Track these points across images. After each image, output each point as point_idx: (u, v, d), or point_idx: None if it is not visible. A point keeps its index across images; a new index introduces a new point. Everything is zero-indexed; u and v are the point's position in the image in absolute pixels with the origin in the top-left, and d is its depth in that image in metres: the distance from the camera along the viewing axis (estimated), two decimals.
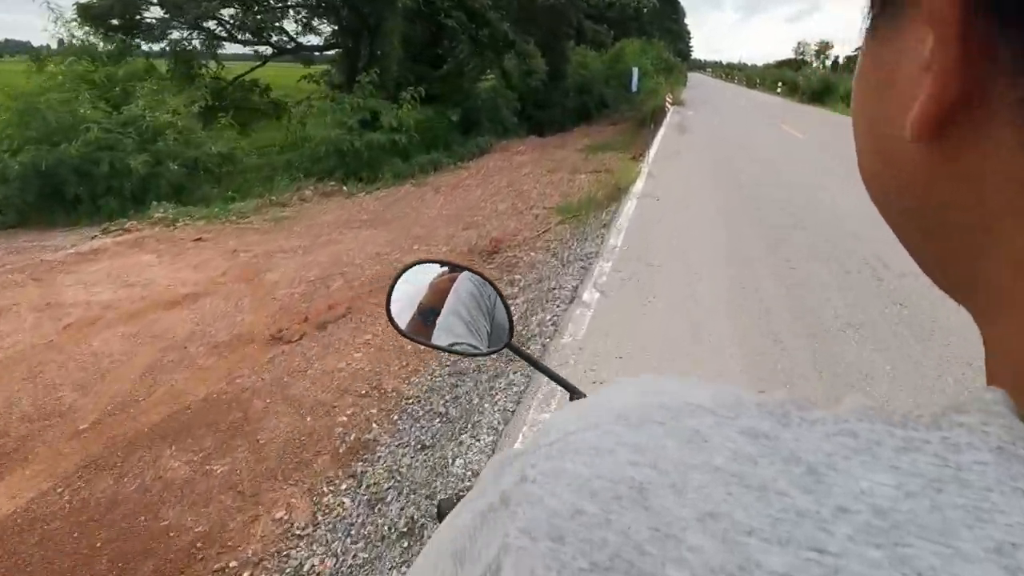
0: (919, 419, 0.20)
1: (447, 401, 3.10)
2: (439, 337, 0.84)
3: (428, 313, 0.85)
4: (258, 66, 18.98)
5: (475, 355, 0.88)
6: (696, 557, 0.18)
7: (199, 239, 6.62)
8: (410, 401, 3.21)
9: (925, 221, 0.24)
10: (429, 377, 3.43)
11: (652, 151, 11.90)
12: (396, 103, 14.17)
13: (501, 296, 0.86)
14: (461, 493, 0.70)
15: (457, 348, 0.85)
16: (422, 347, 0.93)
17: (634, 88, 22.45)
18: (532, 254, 5.71)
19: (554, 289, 4.39)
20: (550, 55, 23.04)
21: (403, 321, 0.85)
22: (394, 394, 3.31)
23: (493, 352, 0.88)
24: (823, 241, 5.65)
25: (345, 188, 11.03)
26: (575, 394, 0.83)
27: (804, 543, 0.18)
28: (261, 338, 4.09)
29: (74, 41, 12.60)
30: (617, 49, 27.03)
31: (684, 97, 30.38)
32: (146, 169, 8.59)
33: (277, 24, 17.29)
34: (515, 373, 3.07)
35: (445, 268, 0.87)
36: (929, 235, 0.24)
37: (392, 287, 0.85)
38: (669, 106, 16.78)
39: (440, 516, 0.74)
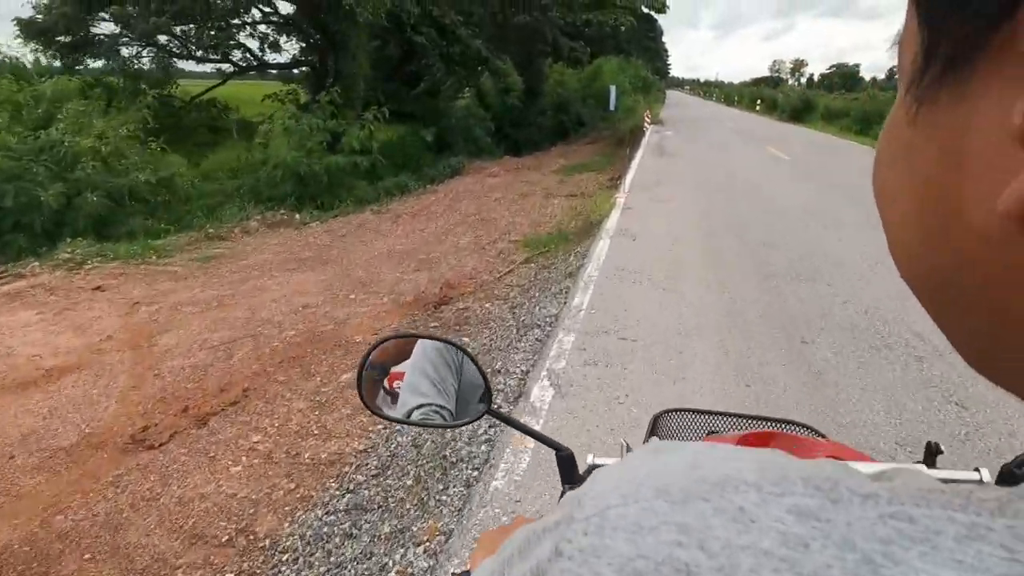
0: (982, 503, 0.19)
1: (330, 570, 2.16)
2: (405, 401, 0.78)
3: (387, 379, 0.80)
4: (217, 85, 18.05)
5: (448, 426, 0.80)
6: None
7: (99, 288, 5.63)
8: (284, 558, 2.27)
9: (995, 300, 0.21)
10: (322, 511, 2.50)
11: (629, 176, 11.01)
12: (360, 123, 13.35)
13: (472, 358, 0.80)
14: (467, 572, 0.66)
15: (422, 418, 0.77)
16: (386, 422, 1.03)
17: (612, 106, 21.82)
18: (487, 306, 4.81)
19: (500, 372, 3.44)
20: (526, 73, 22.48)
21: (372, 398, 0.79)
22: (266, 542, 2.37)
23: (472, 420, 0.79)
24: (832, 296, 4.78)
25: (298, 216, 10.10)
26: (560, 451, 0.78)
27: None
28: (118, 440, 3.13)
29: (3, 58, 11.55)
30: (595, 67, 26.54)
31: (663, 116, 29.88)
32: (60, 202, 7.59)
33: (233, 41, 16.35)
34: (418, 550, 2.12)
35: (411, 339, 0.81)
36: (999, 316, 0.21)
37: (363, 366, 0.77)
38: (647, 125, 16.04)
39: None
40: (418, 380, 0.78)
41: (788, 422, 0.95)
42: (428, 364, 0.79)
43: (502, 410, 2.97)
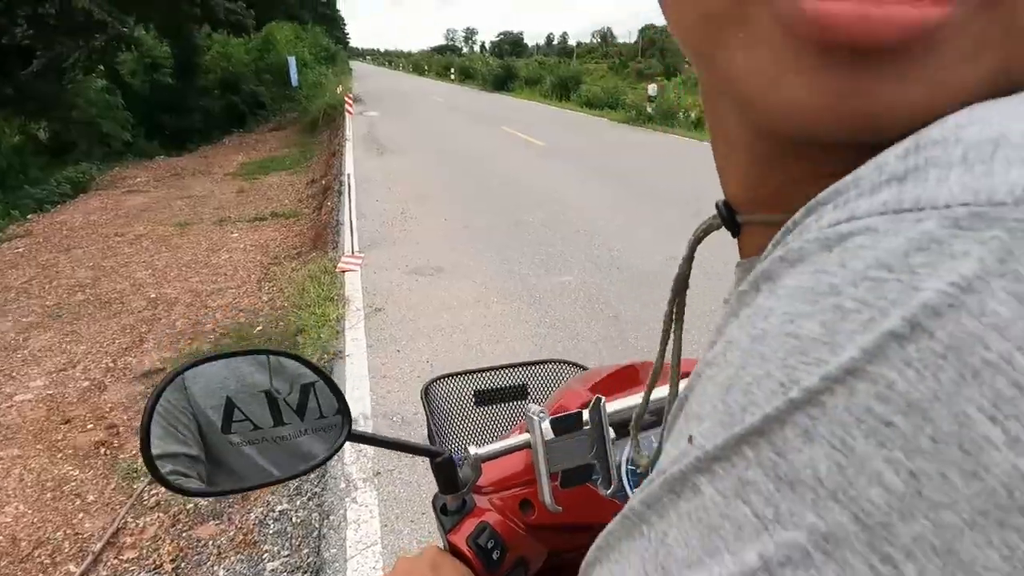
0: None
1: None
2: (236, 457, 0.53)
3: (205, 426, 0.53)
4: None
5: (297, 475, 0.58)
6: None
7: None
8: None
9: None
10: None
11: (349, 209, 6.44)
12: None
13: (316, 369, 0.56)
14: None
15: (262, 479, 0.55)
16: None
17: (294, 82, 17.79)
18: None
19: None
20: (177, 44, 17.17)
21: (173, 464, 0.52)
22: None
23: (331, 454, 0.57)
24: None
25: None
26: (437, 457, 0.60)
27: None
28: None
29: None
30: (265, 34, 21.81)
31: (357, 90, 26.23)
32: None
33: None
34: None
35: (225, 359, 0.55)
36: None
37: (149, 415, 0.50)
38: (350, 108, 12.50)
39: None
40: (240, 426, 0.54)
41: (553, 361, 0.88)
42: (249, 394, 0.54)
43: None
